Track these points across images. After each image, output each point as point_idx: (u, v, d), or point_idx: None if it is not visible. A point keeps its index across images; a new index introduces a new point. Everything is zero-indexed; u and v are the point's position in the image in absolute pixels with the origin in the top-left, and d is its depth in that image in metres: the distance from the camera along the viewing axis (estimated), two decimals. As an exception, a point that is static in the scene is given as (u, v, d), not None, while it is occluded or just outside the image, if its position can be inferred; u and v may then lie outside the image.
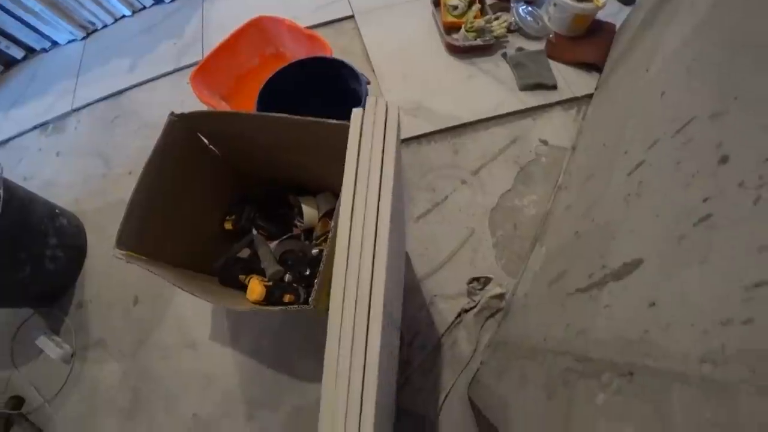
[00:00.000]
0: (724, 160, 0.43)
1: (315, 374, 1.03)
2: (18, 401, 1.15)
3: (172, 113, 0.83)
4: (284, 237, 1.06)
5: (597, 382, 0.43)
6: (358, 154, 0.49)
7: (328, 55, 1.12)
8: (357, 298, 0.42)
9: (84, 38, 1.88)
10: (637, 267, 0.48)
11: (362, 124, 0.51)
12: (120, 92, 1.63)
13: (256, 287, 0.87)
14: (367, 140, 0.50)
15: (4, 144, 1.74)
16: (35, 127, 1.72)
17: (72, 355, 1.21)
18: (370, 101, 0.53)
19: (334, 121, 0.65)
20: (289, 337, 1.06)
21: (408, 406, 0.93)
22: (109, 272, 1.27)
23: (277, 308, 0.71)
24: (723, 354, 0.29)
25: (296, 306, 0.72)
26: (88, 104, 1.66)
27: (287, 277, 0.94)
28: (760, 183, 0.36)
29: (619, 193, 0.67)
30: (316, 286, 0.65)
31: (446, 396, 0.93)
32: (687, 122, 0.53)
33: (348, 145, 0.49)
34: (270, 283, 0.91)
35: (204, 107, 1.20)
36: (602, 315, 0.50)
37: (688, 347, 0.33)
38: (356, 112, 0.52)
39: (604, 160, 0.85)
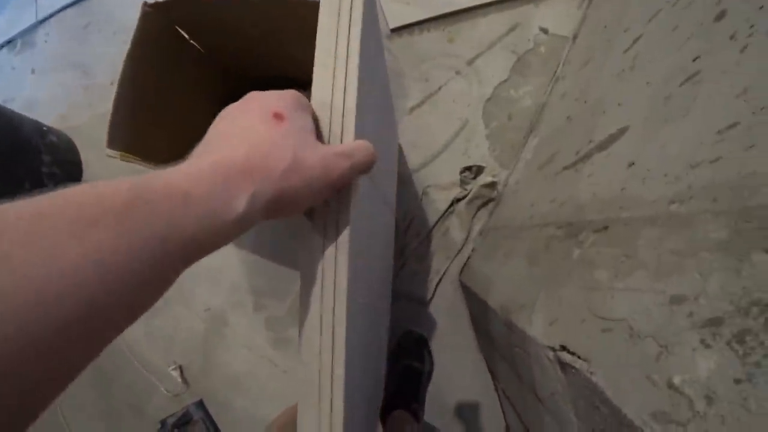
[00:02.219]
0: (720, 16, 0.42)
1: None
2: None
3: (145, 3, 0.79)
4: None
5: (575, 241, 0.46)
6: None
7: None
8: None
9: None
10: (622, 134, 0.49)
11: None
12: (88, -7, 1.51)
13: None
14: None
15: (-25, 67, 1.65)
16: (2, 46, 1.63)
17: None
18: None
19: (319, -3, 0.61)
20: (288, 231, 1.10)
21: (404, 289, 1.00)
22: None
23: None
24: (690, 192, 0.31)
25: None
26: (55, 13, 1.55)
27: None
28: (750, 32, 0.36)
29: (613, 71, 0.66)
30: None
31: (440, 280, 0.99)
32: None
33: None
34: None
35: None
36: (585, 183, 0.52)
37: (660, 194, 0.35)
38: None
39: (603, 42, 0.82)
